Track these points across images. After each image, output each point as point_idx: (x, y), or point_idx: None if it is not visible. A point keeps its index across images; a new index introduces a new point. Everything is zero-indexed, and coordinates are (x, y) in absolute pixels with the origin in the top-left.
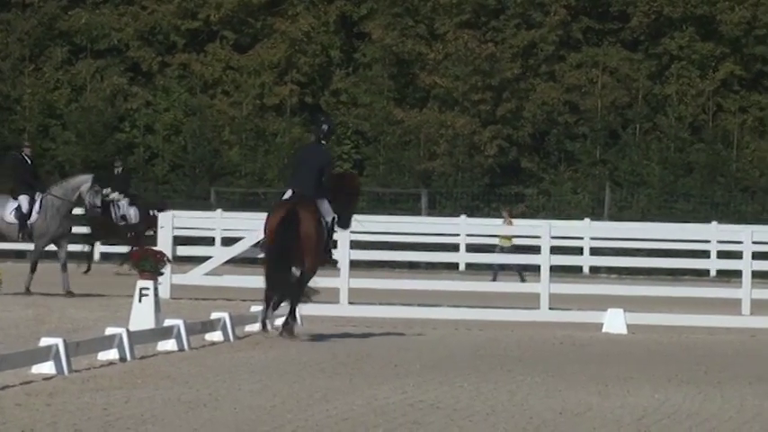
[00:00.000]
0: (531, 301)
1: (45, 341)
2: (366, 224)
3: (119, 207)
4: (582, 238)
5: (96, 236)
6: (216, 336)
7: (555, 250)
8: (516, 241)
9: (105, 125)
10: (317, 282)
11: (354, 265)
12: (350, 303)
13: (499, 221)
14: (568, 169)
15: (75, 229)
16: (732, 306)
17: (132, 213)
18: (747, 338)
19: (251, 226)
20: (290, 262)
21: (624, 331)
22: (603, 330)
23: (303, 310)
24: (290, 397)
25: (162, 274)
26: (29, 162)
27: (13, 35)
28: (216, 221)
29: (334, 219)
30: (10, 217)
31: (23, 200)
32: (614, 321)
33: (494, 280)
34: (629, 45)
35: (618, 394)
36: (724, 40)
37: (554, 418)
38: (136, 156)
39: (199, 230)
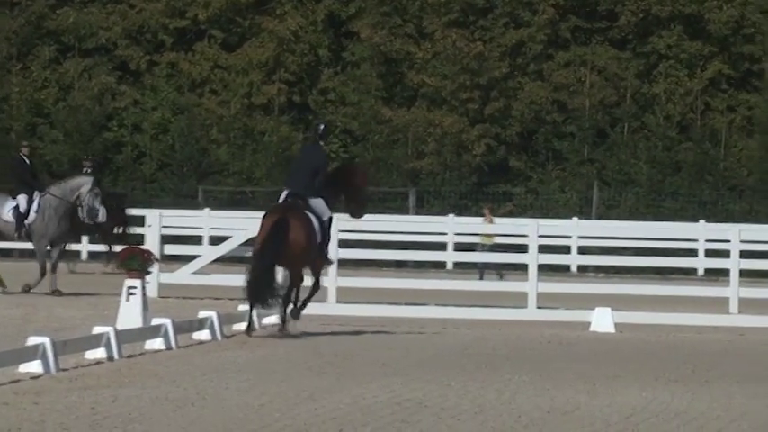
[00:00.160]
0: (519, 300)
1: (32, 340)
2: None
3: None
4: (570, 237)
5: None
6: (203, 334)
7: (543, 249)
8: (505, 240)
9: (93, 124)
10: (305, 281)
11: (342, 263)
12: (337, 302)
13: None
14: (556, 168)
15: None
16: (720, 305)
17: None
18: (735, 337)
19: (239, 225)
20: (273, 273)
21: (612, 330)
22: (591, 329)
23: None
24: (277, 396)
25: (149, 272)
26: (27, 162)
27: (1, 34)
28: (204, 220)
29: (331, 218)
30: (8, 216)
31: (21, 199)
32: (602, 320)
33: (481, 278)
34: (617, 44)
35: (606, 393)
36: (712, 39)
37: (542, 416)
38: (124, 155)
39: (186, 229)
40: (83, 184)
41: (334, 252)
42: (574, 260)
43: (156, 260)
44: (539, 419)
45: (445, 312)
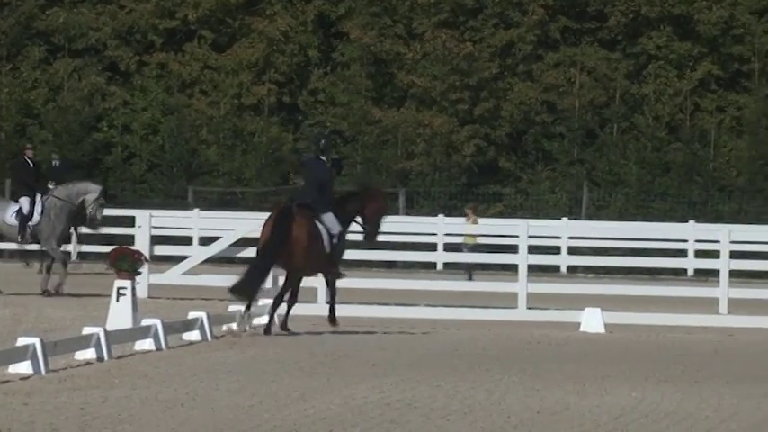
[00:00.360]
0: (509, 301)
1: (22, 341)
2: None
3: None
4: (559, 238)
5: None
6: (193, 335)
7: (532, 249)
8: (495, 240)
9: (83, 125)
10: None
11: None
12: (327, 303)
13: (478, 221)
14: (546, 169)
15: None
16: (709, 305)
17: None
18: (725, 337)
19: (228, 225)
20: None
21: (602, 330)
22: (581, 329)
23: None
24: (267, 396)
25: (139, 273)
26: (30, 165)
27: None
28: (193, 221)
29: (342, 233)
30: (11, 219)
31: (24, 201)
32: (592, 320)
33: (469, 279)
34: (606, 45)
35: (595, 393)
36: (701, 39)
37: (532, 416)
38: (113, 155)
39: (176, 230)
40: (90, 191)
41: None
42: (564, 261)
43: (146, 261)
44: (528, 420)
45: (435, 313)
